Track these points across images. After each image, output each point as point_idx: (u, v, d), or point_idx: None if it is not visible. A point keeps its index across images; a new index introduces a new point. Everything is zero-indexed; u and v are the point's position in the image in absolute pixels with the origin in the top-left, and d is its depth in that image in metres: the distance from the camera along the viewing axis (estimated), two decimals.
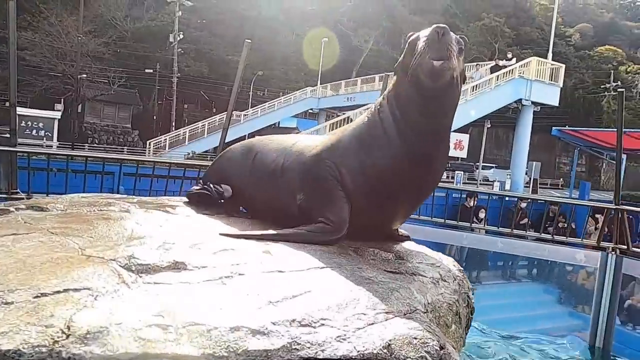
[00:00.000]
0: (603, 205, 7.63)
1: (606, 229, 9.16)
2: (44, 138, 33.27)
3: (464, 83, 2.24)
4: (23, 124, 33.21)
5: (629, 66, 68.92)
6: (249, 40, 5.71)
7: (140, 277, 1.42)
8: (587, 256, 7.46)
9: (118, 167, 7.05)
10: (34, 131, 33.83)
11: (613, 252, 7.11)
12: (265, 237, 2.06)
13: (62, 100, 39.27)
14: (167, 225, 2.05)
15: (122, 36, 42.84)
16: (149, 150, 34.33)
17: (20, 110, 33.09)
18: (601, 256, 7.19)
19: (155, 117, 44.64)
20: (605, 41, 74.28)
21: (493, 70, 25.45)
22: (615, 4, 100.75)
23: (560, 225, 11.12)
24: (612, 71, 63.80)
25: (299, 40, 48.16)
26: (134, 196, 2.72)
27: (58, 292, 1.19)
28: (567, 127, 15.90)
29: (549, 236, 7.72)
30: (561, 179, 55.50)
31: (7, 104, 5.92)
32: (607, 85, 59.60)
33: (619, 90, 6.01)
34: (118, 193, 7.18)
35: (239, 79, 5.59)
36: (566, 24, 73.74)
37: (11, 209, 2.06)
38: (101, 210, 2.18)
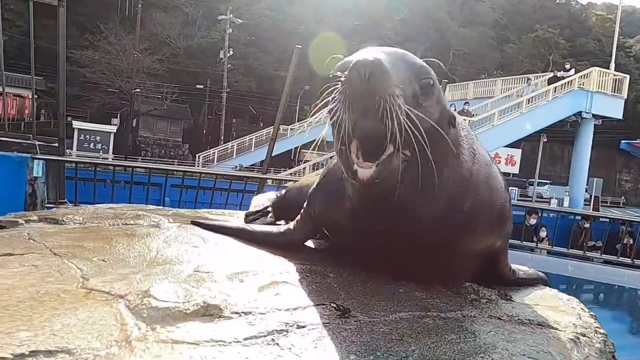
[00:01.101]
0: None
1: None
2: (101, 151, 34.69)
3: (452, 126, 1.52)
4: (82, 137, 34.89)
5: None
6: (299, 46, 5.43)
7: (153, 329, 1.00)
8: None
9: (164, 179, 6.95)
10: (92, 144, 35.38)
11: None
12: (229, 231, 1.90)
13: (118, 115, 40.99)
14: (203, 246, 1.66)
15: (175, 53, 44.37)
16: (198, 164, 35.02)
17: (80, 125, 34.83)
18: None
19: (204, 131, 45.72)
20: None
21: (551, 82, 24.19)
22: None
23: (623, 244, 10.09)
24: None
25: (346, 56, 47.92)
26: (170, 208, 2.39)
27: (21, 356, 0.81)
28: (637, 140, 14.68)
29: (627, 260, 6.94)
30: (622, 197, 52.15)
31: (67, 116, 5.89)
32: None
33: None
34: (164, 204, 7.07)
35: (289, 84, 5.30)
36: (625, 34, 70.22)
37: (20, 220, 1.77)
38: (126, 224, 1.84)
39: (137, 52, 38.67)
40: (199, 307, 1.14)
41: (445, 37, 51.81)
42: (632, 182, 56.76)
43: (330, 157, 1.88)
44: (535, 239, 9.01)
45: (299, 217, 1.93)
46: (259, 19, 47.38)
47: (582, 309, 1.53)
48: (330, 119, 1.41)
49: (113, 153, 35.53)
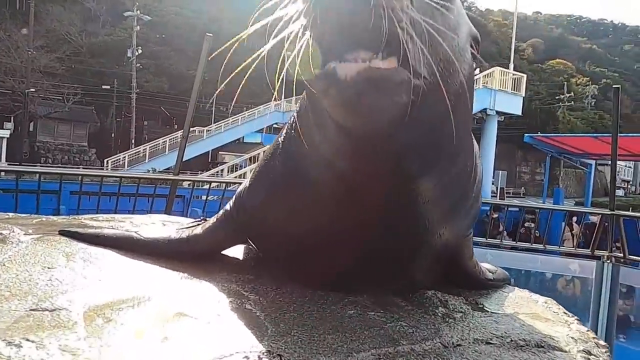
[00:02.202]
0: (598, 211, 7.21)
1: (581, 235, 8.90)
2: None
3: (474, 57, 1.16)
4: None
5: (579, 78, 72.40)
6: (210, 35, 4.98)
7: None
8: (581, 266, 7.03)
9: (59, 184, 6.12)
10: None
11: (609, 261, 6.69)
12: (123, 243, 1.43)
13: (12, 118, 37.14)
14: (63, 267, 1.17)
15: (76, 51, 41.16)
16: (107, 169, 32.71)
17: None
18: (596, 265, 6.78)
19: (113, 135, 42.90)
20: (555, 55, 77.87)
21: None
22: (563, 20, 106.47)
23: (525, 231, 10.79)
24: (565, 83, 66.54)
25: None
26: (40, 216, 1.86)
27: None
28: (539, 134, 15.88)
29: (540, 246, 7.27)
30: (522, 188, 56.74)
31: None
32: (561, 97, 61.97)
33: (614, 86, 5.58)
34: (59, 214, 6.24)
35: (200, 75, 4.83)
36: (519, 38, 77.01)
37: None
38: None
39: (32, 49, 35.24)
40: None
41: None
42: (529, 174, 61.83)
43: (274, 143, 1.44)
44: None
45: (214, 218, 1.54)
46: (169, 16, 45.36)
47: (564, 313, 1.33)
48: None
49: (6, 160, 32.11)
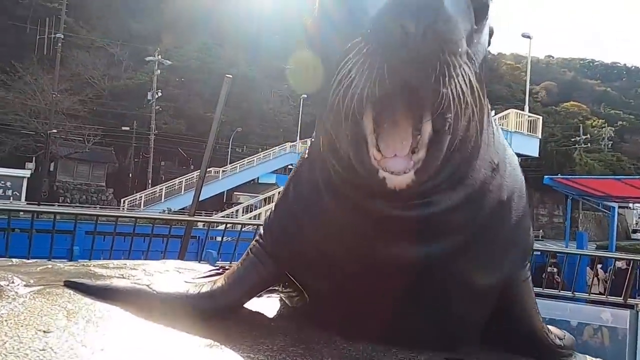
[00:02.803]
0: (630, 257, 6.89)
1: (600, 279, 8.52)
2: (11, 197, 31.82)
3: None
4: None
5: (594, 120, 72.43)
6: (230, 76, 5.01)
7: None
8: (614, 315, 6.65)
9: (74, 224, 6.07)
10: (1, 190, 32.46)
11: None
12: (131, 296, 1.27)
13: (34, 158, 38.08)
14: (61, 329, 1.00)
15: (99, 94, 42.50)
16: (123, 209, 33.01)
17: None
18: (630, 315, 6.41)
19: (131, 175, 43.55)
20: (569, 98, 78.33)
21: None
22: (576, 64, 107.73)
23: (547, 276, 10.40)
24: (581, 125, 66.54)
25: (277, 98, 48.64)
26: (46, 262, 1.73)
27: None
28: (558, 176, 15.62)
29: (568, 293, 6.94)
30: (541, 230, 55.62)
31: None
32: (577, 138, 61.72)
33: None
34: (71, 255, 6.17)
35: (219, 115, 4.82)
36: (532, 81, 77.99)
37: None
38: None
39: (56, 92, 36.49)
40: None
41: None
42: (547, 216, 60.75)
43: (302, 156, 1.38)
44: None
45: (239, 262, 1.38)
46: (189, 60, 46.85)
47: None
48: (333, 93, 0.91)
49: (26, 199, 32.64)
